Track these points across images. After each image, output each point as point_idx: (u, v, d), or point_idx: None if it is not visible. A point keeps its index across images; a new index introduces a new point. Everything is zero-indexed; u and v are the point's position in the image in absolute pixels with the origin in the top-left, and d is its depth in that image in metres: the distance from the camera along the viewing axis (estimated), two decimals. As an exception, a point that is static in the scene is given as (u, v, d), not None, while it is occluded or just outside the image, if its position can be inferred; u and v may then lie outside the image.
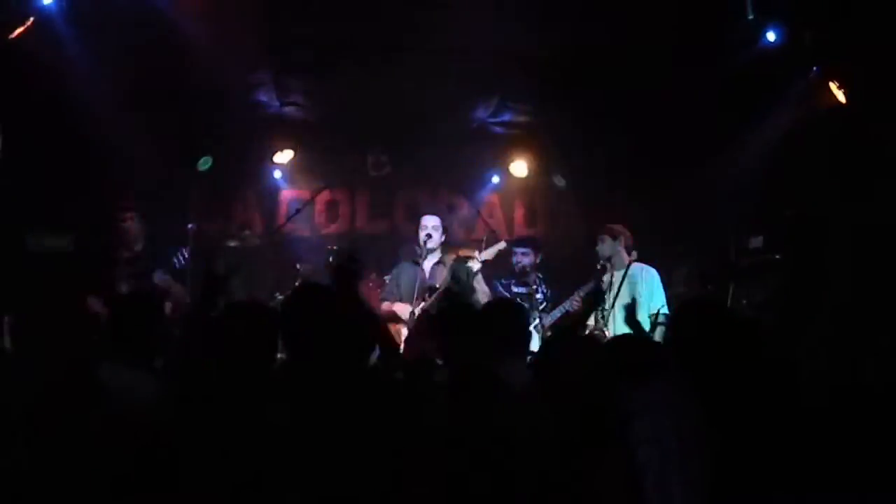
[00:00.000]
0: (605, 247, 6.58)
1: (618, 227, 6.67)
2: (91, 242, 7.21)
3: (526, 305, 6.25)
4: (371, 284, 8.03)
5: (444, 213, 9.05)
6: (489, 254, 6.98)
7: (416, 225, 7.46)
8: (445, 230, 7.44)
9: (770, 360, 3.07)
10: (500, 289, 7.22)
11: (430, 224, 7.25)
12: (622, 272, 6.48)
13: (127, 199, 7.28)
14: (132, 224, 6.96)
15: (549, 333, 6.55)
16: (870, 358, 5.14)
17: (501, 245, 7.13)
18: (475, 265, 6.77)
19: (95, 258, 7.06)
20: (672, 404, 2.81)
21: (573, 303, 6.62)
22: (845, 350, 5.46)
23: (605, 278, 6.50)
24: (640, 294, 6.22)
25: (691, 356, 2.82)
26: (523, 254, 7.18)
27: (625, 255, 6.60)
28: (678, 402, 2.78)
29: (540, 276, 7.23)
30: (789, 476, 2.73)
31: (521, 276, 7.13)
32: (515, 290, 7.16)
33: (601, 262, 6.53)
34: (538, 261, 7.24)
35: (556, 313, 6.78)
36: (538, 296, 7.02)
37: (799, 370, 3.80)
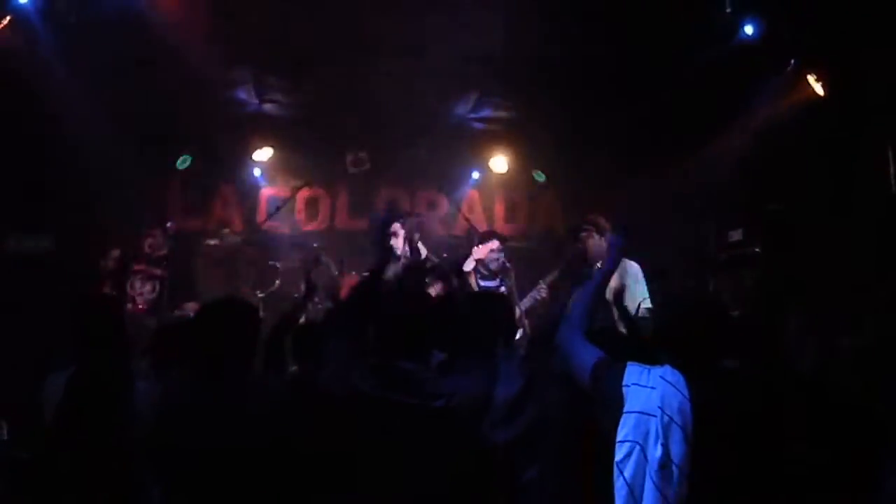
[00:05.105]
0: (595, 242, 6.37)
1: (601, 221, 6.54)
2: (71, 242, 7.16)
3: None
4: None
5: (424, 210, 9.08)
6: (482, 252, 6.90)
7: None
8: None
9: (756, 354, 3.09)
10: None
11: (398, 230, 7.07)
12: None
13: None
14: None
15: (525, 320, 6.52)
16: (848, 350, 5.19)
17: (494, 244, 7.03)
18: (469, 263, 6.72)
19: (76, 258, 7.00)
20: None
21: (539, 291, 6.65)
22: (824, 343, 5.50)
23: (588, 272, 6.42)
24: (629, 287, 6.17)
25: (682, 351, 2.81)
26: (500, 250, 7.13)
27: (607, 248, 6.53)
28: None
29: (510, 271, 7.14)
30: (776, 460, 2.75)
31: (496, 272, 7.06)
32: (483, 284, 7.08)
33: (577, 252, 6.28)
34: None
35: (527, 302, 6.77)
36: (502, 289, 6.97)
37: (779, 362, 3.84)
